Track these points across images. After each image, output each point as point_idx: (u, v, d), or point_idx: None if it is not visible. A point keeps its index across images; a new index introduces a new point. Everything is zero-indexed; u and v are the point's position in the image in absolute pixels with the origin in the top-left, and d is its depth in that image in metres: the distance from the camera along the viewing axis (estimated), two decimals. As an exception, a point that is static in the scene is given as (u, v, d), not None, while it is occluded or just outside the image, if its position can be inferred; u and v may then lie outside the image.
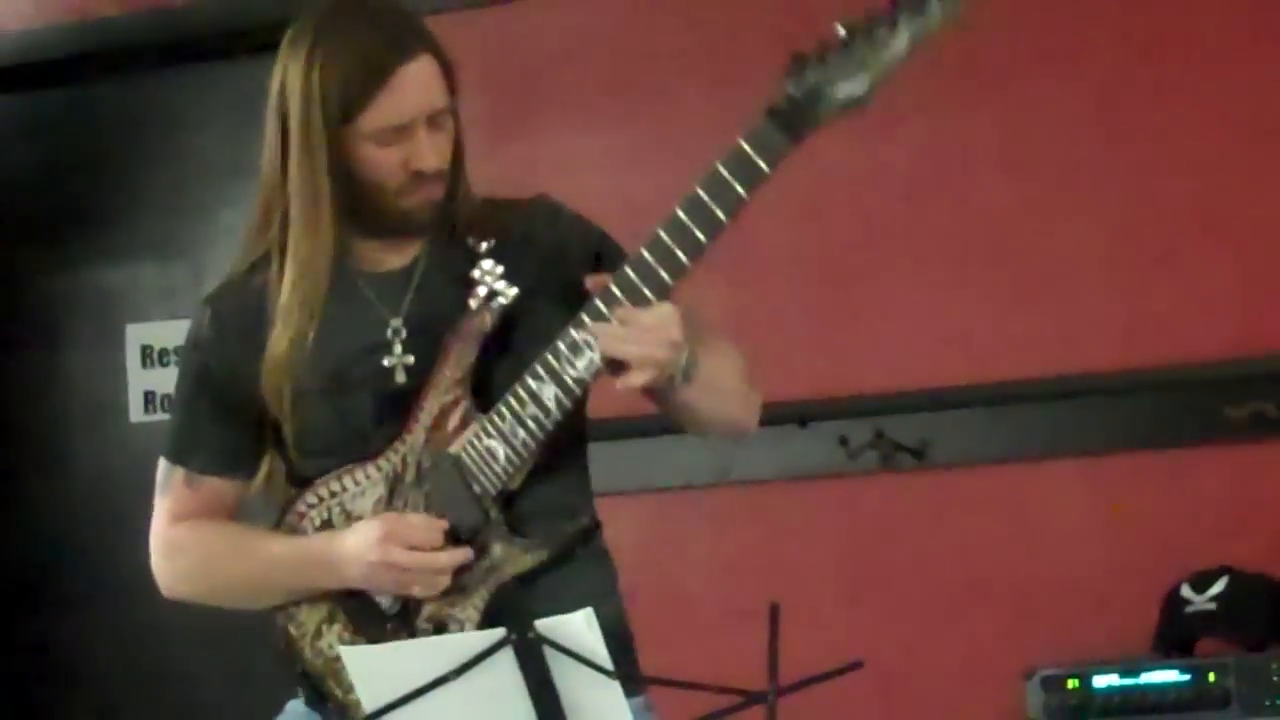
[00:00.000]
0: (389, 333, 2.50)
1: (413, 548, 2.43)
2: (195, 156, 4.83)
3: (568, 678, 2.07)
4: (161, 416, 4.78)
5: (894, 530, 4.11)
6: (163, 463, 2.63)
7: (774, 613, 1.93)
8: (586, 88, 4.36)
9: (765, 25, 4.25)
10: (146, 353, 4.82)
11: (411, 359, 2.49)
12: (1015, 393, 4.06)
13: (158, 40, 4.73)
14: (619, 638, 2.48)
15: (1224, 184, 4.00)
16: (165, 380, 4.79)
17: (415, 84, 2.42)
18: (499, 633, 2.07)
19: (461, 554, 2.43)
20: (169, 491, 2.61)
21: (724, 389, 2.51)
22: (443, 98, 2.46)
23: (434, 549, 2.44)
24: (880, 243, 4.14)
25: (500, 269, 2.46)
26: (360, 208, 2.49)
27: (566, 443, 2.52)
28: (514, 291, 2.44)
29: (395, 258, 2.54)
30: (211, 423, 2.58)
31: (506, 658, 2.06)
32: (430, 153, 2.45)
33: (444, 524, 2.44)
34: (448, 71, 2.47)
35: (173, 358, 4.79)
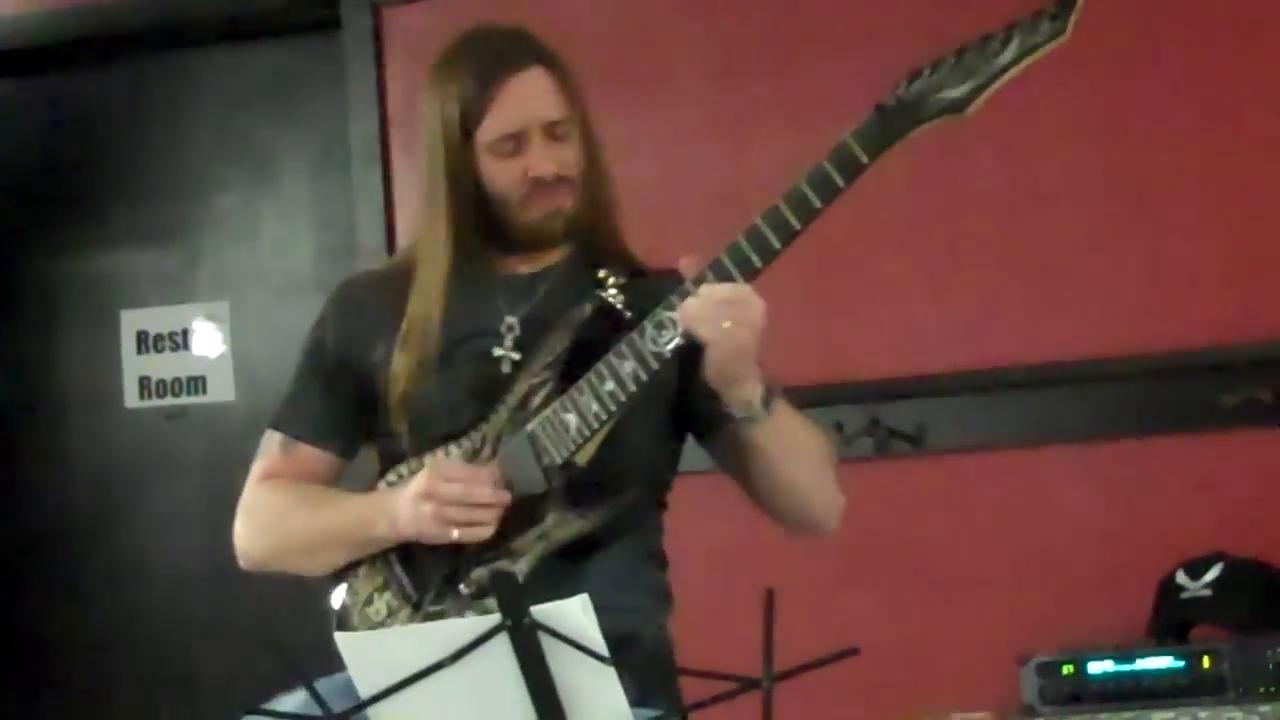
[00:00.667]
0: (503, 326, 2.58)
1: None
2: (190, 142, 4.83)
3: (563, 663, 2.07)
4: (156, 402, 4.79)
5: (890, 517, 4.11)
6: (267, 432, 2.70)
7: (769, 599, 1.93)
8: (582, 77, 4.34)
9: (762, 15, 4.25)
10: (141, 338, 4.82)
11: (518, 355, 2.55)
12: (1010, 379, 4.06)
13: (153, 25, 4.72)
14: (661, 664, 2.53)
15: (1217, 170, 4.00)
16: (160, 366, 4.79)
17: (522, 94, 2.53)
18: (494, 619, 2.07)
19: (504, 496, 2.47)
20: (264, 455, 2.69)
21: (802, 447, 2.55)
22: (558, 109, 2.56)
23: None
24: (875, 229, 4.13)
25: (622, 298, 2.52)
26: (493, 224, 2.58)
27: (651, 467, 2.60)
28: (628, 315, 2.49)
29: (527, 266, 2.63)
30: (316, 394, 2.67)
31: (502, 643, 2.06)
32: (546, 159, 2.53)
33: (494, 470, 2.48)
34: (566, 84, 2.57)
35: (167, 344, 4.79)
